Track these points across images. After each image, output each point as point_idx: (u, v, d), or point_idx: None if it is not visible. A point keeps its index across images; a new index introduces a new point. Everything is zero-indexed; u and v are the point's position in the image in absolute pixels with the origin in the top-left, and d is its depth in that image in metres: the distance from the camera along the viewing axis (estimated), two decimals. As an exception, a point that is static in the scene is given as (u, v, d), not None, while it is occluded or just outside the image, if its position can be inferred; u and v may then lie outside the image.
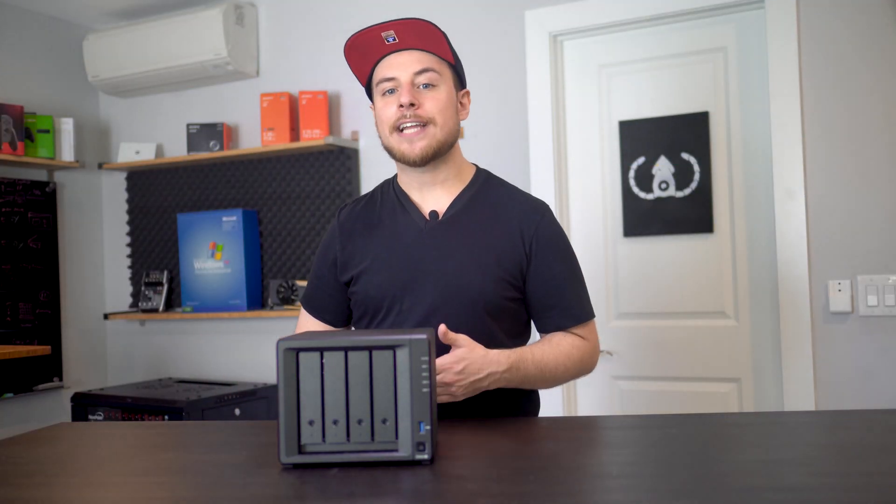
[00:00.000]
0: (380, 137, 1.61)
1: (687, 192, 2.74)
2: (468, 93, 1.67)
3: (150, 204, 3.70)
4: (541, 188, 2.87)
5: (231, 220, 3.39)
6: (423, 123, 1.53)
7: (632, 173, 2.81)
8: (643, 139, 2.79)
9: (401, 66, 1.54)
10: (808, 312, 2.50)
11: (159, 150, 3.70)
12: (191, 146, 3.44)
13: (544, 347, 1.56)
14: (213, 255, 3.43)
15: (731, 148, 2.69)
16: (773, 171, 2.55)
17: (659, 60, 2.79)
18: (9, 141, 3.28)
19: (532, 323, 1.67)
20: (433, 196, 1.61)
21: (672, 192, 2.75)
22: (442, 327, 1.38)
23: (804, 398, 2.50)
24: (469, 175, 1.65)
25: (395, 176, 1.69)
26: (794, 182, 2.52)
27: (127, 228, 3.78)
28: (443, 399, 1.41)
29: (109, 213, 3.83)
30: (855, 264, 2.47)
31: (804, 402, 2.50)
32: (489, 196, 1.63)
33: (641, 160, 2.80)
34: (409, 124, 1.53)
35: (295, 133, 3.30)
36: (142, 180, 3.72)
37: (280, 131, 3.28)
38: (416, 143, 1.53)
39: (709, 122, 2.71)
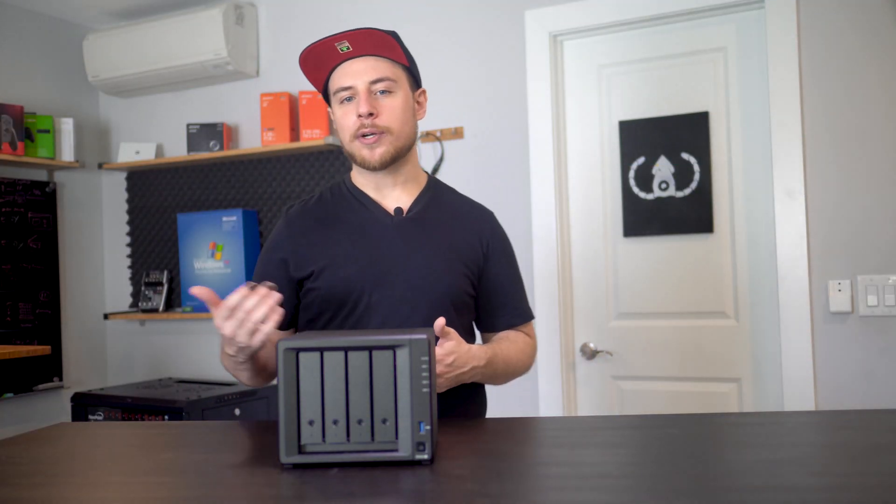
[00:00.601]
0: (340, 142, 1.65)
1: (687, 192, 2.74)
2: (424, 91, 1.70)
3: (150, 204, 3.70)
4: (541, 188, 2.87)
5: (231, 220, 3.39)
6: (381, 132, 1.58)
7: (632, 173, 2.81)
8: (643, 139, 2.79)
9: (356, 75, 1.58)
10: (808, 312, 2.50)
11: (159, 150, 3.70)
12: (191, 146, 3.44)
13: (508, 345, 1.65)
14: (213, 255, 3.44)
15: (731, 148, 2.69)
16: (773, 171, 2.55)
17: (659, 60, 2.79)
18: (9, 141, 3.28)
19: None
20: (392, 196, 1.66)
21: (672, 192, 2.75)
22: (441, 320, 1.41)
23: (804, 398, 2.50)
24: (424, 179, 1.72)
25: (346, 177, 1.72)
26: (794, 182, 2.52)
27: (127, 228, 3.78)
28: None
29: (109, 213, 3.83)
30: (855, 264, 2.47)
31: (804, 402, 2.50)
32: (444, 199, 1.71)
33: (641, 160, 2.80)
34: (368, 133, 1.57)
35: (295, 133, 3.30)
36: (142, 180, 3.72)
37: (280, 131, 3.28)
38: (376, 150, 1.58)
39: (709, 122, 2.71)
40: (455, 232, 1.66)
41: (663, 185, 2.77)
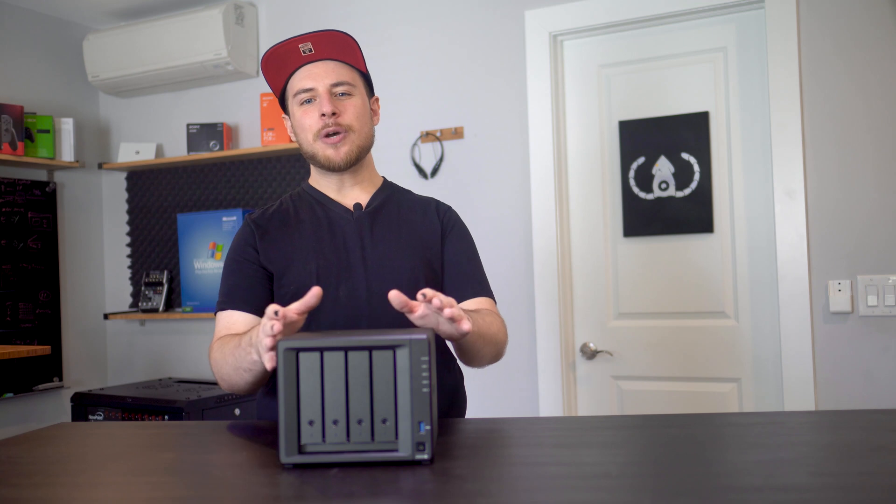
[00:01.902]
0: (299, 144, 1.68)
1: (687, 192, 2.74)
2: (378, 99, 1.76)
3: (150, 204, 3.70)
4: (541, 188, 2.87)
5: (231, 220, 3.39)
6: (345, 130, 1.62)
7: (632, 173, 2.81)
8: (643, 139, 2.79)
9: (318, 77, 1.62)
10: (808, 312, 2.50)
11: (159, 150, 3.70)
12: (191, 146, 3.44)
13: (480, 316, 1.53)
14: (213, 255, 3.44)
15: (731, 148, 2.69)
16: (773, 171, 2.55)
17: (659, 60, 2.79)
18: (9, 141, 3.28)
19: None
20: (351, 195, 1.70)
21: (672, 192, 2.75)
22: (394, 292, 1.26)
23: (804, 398, 2.50)
24: (380, 180, 1.77)
25: (305, 183, 1.75)
26: (794, 182, 2.52)
27: (127, 228, 3.78)
28: (467, 326, 1.30)
29: (109, 213, 3.83)
30: (855, 264, 2.47)
31: (804, 402, 2.50)
32: (400, 196, 1.76)
33: (641, 160, 2.80)
34: (331, 132, 1.61)
35: (295, 133, 3.30)
36: (142, 180, 3.72)
37: (280, 131, 3.28)
38: (340, 149, 1.63)
39: (709, 122, 2.71)
40: (413, 219, 1.70)
41: (663, 185, 2.77)
